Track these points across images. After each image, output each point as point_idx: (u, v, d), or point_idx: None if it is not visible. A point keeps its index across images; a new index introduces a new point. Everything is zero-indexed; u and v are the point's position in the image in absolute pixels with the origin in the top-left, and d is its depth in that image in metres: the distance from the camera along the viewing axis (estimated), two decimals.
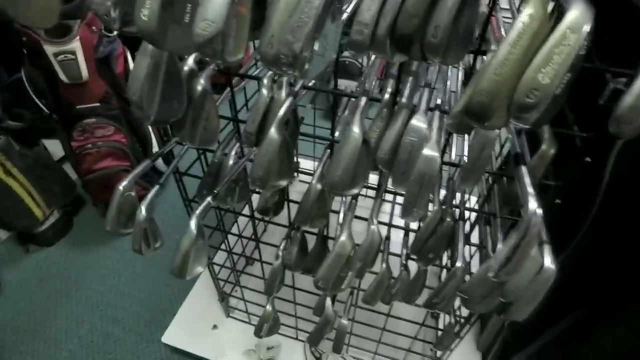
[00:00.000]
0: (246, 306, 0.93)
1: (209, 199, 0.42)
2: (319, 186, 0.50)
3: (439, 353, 0.80)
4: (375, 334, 0.82)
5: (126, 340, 1.06)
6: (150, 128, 1.31)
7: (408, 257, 0.56)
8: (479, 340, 0.96)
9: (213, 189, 0.54)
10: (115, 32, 1.11)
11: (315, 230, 0.57)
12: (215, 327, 0.99)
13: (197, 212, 0.40)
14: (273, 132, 0.38)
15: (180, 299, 1.14)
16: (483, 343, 0.94)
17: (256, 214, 1.25)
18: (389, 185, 0.45)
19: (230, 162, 0.52)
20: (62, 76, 1.04)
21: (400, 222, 0.57)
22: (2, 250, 1.28)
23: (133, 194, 0.47)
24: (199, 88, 0.40)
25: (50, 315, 1.11)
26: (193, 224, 0.41)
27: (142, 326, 1.09)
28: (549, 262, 0.38)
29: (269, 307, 0.69)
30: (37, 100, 1.12)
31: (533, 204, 0.34)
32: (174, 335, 0.98)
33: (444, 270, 0.92)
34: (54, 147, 1.32)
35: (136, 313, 1.12)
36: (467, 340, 0.93)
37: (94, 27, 1.06)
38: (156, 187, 0.49)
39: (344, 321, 0.68)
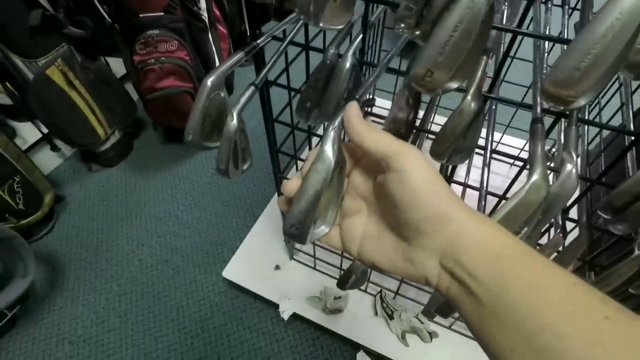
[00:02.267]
0: (314, 250, 0.84)
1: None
2: (473, 105, 0.35)
3: None
4: None
5: (185, 269, 1.03)
6: (214, 49, 1.18)
7: (566, 218, 0.42)
8: None
9: (320, 102, 0.41)
10: None
11: None
12: (277, 267, 0.92)
13: (329, 138, 0.25)
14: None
15: (239, 234, 1.08)
16: None
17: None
18: None
19: (347, 65, 0.38)
20: None
21: None
22: (67, 166, 1.27)
23: (222, 94, 0.36)
24: None
25: (112, 235, 1.10)
26: (329, 150, 0.25)
27: (200, 257, 1.05)
28: None
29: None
30: (99, 6, 1.02)
31: None
32: (235, 271, 0.92)
33: None
34: (116, 67, 1.25)
35: (195, 243, 1.08)
36: None
37: None
38: (251, 89, 0.37)
39: None
